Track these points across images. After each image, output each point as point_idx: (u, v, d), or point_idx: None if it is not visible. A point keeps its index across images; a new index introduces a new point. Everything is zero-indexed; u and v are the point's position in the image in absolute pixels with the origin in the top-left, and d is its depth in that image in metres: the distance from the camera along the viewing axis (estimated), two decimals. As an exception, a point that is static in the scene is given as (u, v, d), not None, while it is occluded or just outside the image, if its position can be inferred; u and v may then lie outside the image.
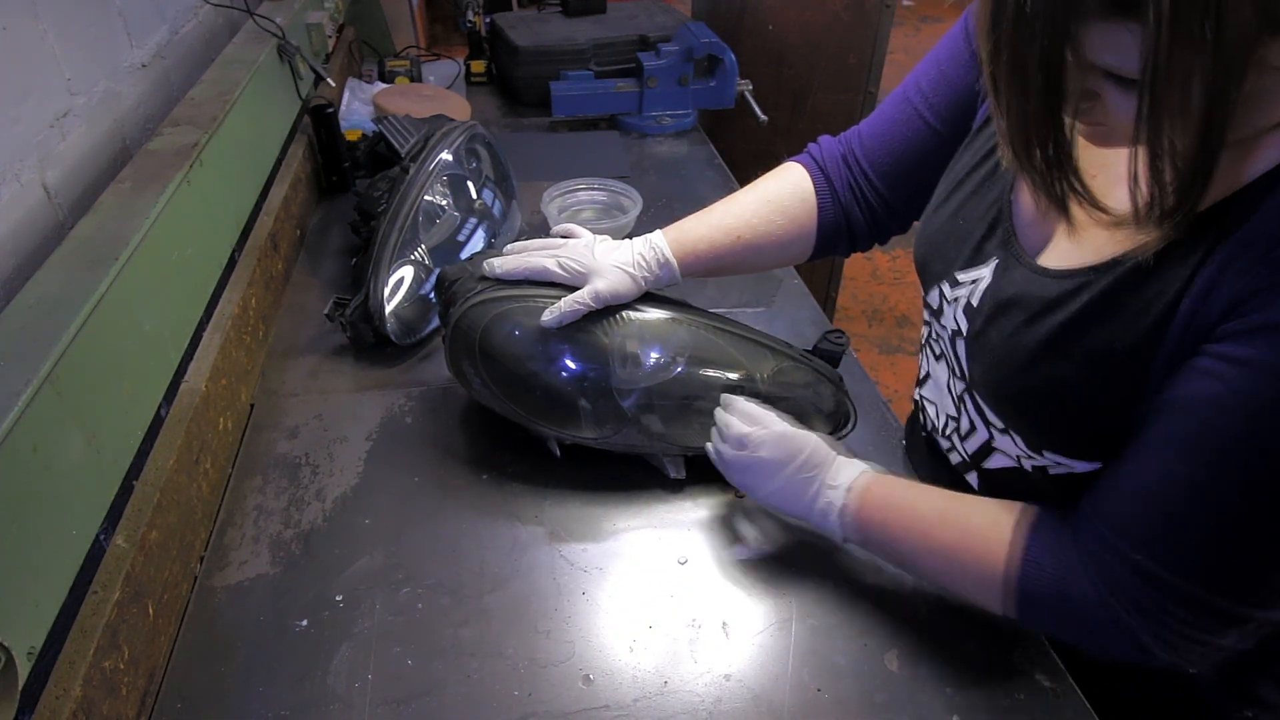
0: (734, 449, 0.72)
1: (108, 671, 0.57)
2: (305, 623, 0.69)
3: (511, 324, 0.78)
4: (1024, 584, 0.58)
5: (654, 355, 0.78)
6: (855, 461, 0.69)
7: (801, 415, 0.76)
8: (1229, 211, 0.48)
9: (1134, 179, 0.46)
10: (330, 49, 1.53)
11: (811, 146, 0.88)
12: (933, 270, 0.70)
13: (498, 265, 0.81)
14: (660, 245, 0.81)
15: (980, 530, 0.61)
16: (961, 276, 0.66)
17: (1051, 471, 0.63)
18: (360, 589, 0.71)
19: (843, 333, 0.84)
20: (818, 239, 0.86)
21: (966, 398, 0.68)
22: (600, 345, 0.77)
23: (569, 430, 0.80)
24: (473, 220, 1.07)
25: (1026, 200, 0.63)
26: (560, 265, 0.78)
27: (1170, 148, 0.43)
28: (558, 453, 0.84)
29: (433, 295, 0.94)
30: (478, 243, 1.07)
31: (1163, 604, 0.52)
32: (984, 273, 0.64)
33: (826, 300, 2.20)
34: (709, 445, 0.76)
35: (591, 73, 1.61)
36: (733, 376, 0.79)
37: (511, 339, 0.78)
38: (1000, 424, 0.64)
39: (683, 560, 0.74)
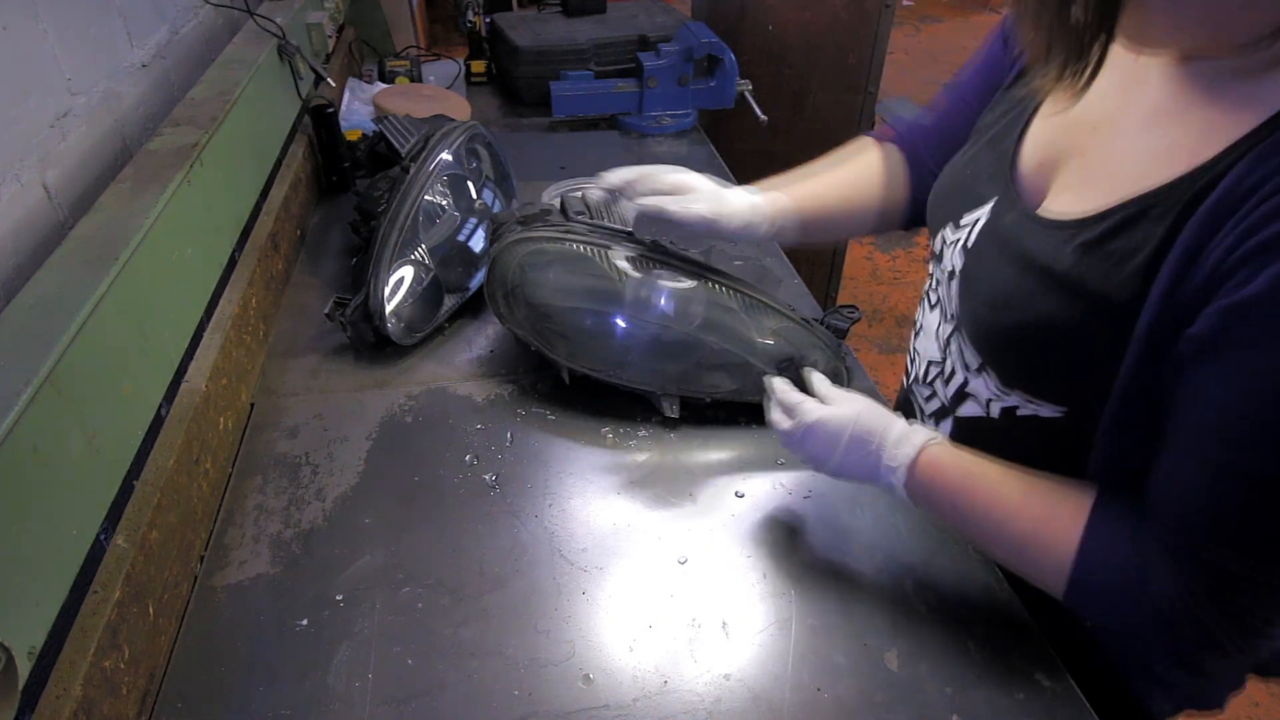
0: (786, 441, 0.73)
1: (108, 671, 0.57)
2: (305, 622, 0.69)
3: (540, 262, 0.87)
4: (1077, 572, 0.57)
5: (661, 311, 0.85)
6: (910, 434, 0.66)
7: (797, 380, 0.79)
8: (1203, 176, 0.50)
9: None
10: (330, 49, 1.53)
11: (900, 130, 0.91)
12: (939, 215, 0.74)
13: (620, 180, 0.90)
14: (781, 200, 0.86)
15: (1043, 519, 0.60)
16: (964, 219, 0.70)
17: (1019, 413, 0.64)
18: (360, 589, 0.71)
19: (855, 308, 0.90)
20: (910, 211, 0.90)
21: (952, 340, 0.71)
22: (614, 294, 0.85)
23: (579, 362, 0.88)
24: (473, 220, 1.07)
25: (1029, 151, 0.66)
26: (682, 205, 0.85)
27: None
28: (567, 381, 0.90)
29: (444, 291, 1.03)
30: (478, 243, 1.07)
31: (1234, 591, 0.51)
32: (982, 213, 0.68)
33: (826, 299, 2.20)
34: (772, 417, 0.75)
35: (591, 73, 1.61)
36: (729, 346, 0.85)
37: (536, 275, 0.87)
38: (977, 363, 0.67)
39: (683, 560, 0.74)
